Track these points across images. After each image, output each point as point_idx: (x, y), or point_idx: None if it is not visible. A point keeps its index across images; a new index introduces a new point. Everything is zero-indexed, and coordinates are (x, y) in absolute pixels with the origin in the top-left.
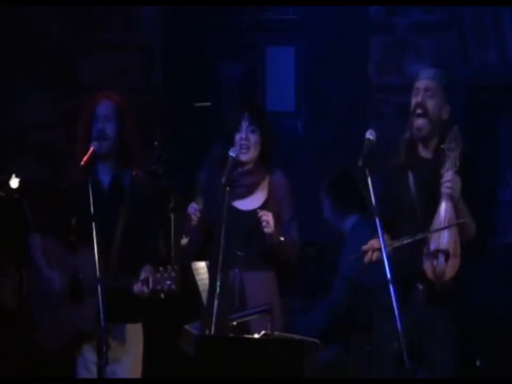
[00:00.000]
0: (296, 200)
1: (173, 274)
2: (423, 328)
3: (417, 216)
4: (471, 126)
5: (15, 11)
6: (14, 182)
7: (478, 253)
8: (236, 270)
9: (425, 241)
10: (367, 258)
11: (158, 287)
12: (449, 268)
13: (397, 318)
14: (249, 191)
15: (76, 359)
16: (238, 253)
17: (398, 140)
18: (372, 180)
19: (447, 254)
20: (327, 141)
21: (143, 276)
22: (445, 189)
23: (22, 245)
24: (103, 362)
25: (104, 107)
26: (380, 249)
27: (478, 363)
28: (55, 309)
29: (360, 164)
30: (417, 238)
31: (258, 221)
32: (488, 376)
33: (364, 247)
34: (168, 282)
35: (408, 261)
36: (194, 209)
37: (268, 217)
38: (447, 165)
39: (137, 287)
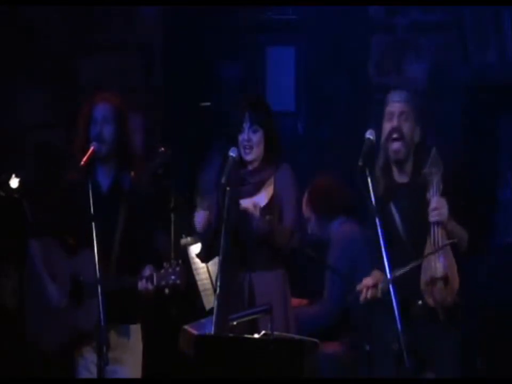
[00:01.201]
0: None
1: (177, 269)
2: (426, 342)
3: (405, 245)
4: (471, 126)
5: (15, 11)
6: (14, 182)
7: (473, 254)
8: (246, 272)
9: (420, 272)
10: (362, 297)
11: (163, 283)
12: (450, 292)
13: (397, 318)
14: (255, 190)
15: (77, 360)
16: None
17: (364, 146)
18: (371, 180)
19: (445, 280)
20: (327, 141)
21: (147, 272)
22: (433, 217)
23: (22, 245)
24: (103, 362)
25: (102, 109)
26: (374, 286)
27: (478, 363)
28: (55, 309)
29: (360, 163)
30: (410, 267)
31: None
32: (488, 376)
33: (358, 287)
34: (173, 277)
35: (406, 279)
36: (199, 219)
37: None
38: (431, 190)
39: (141, 284)
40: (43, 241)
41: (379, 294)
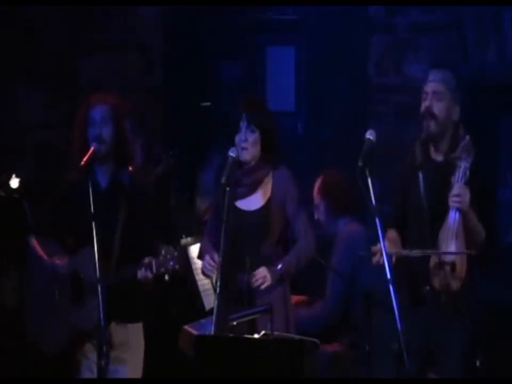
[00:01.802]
0: (301, 196)
1: (176, 254)
2: (433, 329)
3: (425, 217)
4: (471, 126)
5: (15, 11)
6: (14, 182)
7: (487, 260)
8: (244, 272)
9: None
10: (375, 260)
11: (162, 269)
12: (455, 279)
13: (397, 318)
14: (251, 190)
15: (79, 359)
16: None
17: (413, 140)
18: (372, 180)
19: (453, 266)
20: (327, 141)
21: (146, 260)
22: (453, 202)
23: (22, 245)
24: (104, 362)
25: (99, 111)
26: (390, 254)
27: (477, 363)
28: (56, 309)
29: (360, 164)
30: (427, 253)
31: (262, 222)
32: (488, 376)
33: (373, 248)
34: (171, 263)
35: (416, 263)
36: (212, 261)
37: (260, 278)
38: (457, 175)
39: (140, 273)
40: (44, 241)
41: (393, 261)
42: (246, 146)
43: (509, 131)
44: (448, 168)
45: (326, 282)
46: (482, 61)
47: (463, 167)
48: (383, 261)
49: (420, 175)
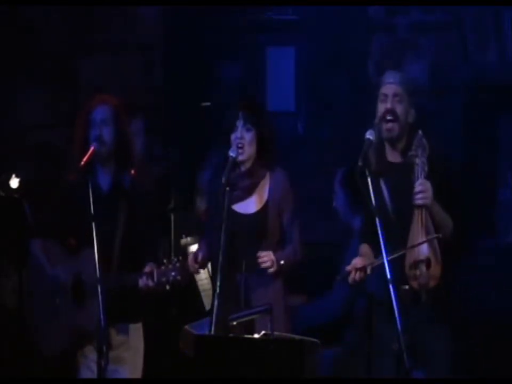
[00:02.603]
0: (297, 200)
1: (178, 265)
2: (415, 328)
3: (393, 221)
4: (471, 126)
5: (15, 11)
6: (14, 182)
7: (460, 253)
8: (241, 274)
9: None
10: (350, 278)
11: (163, 279)
12: (432, 276)
13: (397, 318)
14: (247, 193)
15: (79, 359)
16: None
17: (364, 146)
18: (371, 180)
19: (428, 263)
20: (327, 141)
21: (147, 269)
22: (417, 200)
23: (22, 245)
24: (104, 362)
25: (101, 111)
26: (362, 269)
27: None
28: (57, 309)
29: (360, 164)
30: (397, 255)
31: (259, 225)
32: (488, 376)
33: (347, 268)
34: (173, 273)
35: (393, 265)
36: (193, 261)
37: (268, 258)
38: (416, 172)
39: (142, 281)
40: (45, 241)
41: (368, 273)
42: (242, 144)
43: (509, 131)
44: (406, 168)
45: (327, 283)
46: (482, 61)
47: (420, 163)
48: (360, 278)
49: (381, 181)
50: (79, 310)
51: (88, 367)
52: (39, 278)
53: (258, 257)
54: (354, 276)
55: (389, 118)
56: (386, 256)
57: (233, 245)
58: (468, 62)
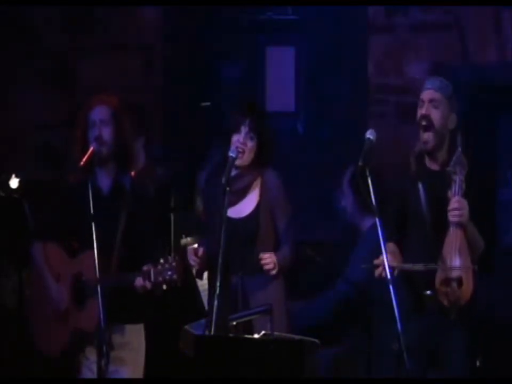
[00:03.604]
0: (296, 200)
1: (174, 264)
2: (436, 334)
3: (428, 228)
4: (471, 126)
5: (15, 11)
6: (14, 182)
7: (488, 271)
8: (238, 276)
9: (436, 269)
10: (377, 273)
11: (160, 279)
12: (463, 294)
13: (397, 318)
14: (240, 196)
15: (80, 360)
16: (239, 274)
17: (409, 152)
18: (372, 180)
19: (459, 281)
20: (327, 141)
21: (144, 268)
22: (452, 217)
23: (22, 245)
24: (104, 362)
25: (100, 111)
26: (391, 267)
27: (477, 363)
28: (57, 310)
29: (360, 163)
30: (429, 267)
31: (252, 229)
32: (488, 376)
33: (376, 261)
34: (169, 272)
35: (417, 270)
36: (193, 255)
37: (270, 260)
38: (454, 189)
39: (138, 282)
40: (45, 242)
41: (395, 274)
42: (243, 150)
43: (509, 131)
44: (444, 178)
45: (326, 283)
46: (482, 61)
47: (458, 180)
48: (384, 266)
49: (420, 186)
50: (79, 311)
51: (90, 368)
52: (40, 286)
53: (260, 259)
54: (382, 272)
55: (423, 123)
56: (387, 256)
57: (229, 248)
58: (468, 62)
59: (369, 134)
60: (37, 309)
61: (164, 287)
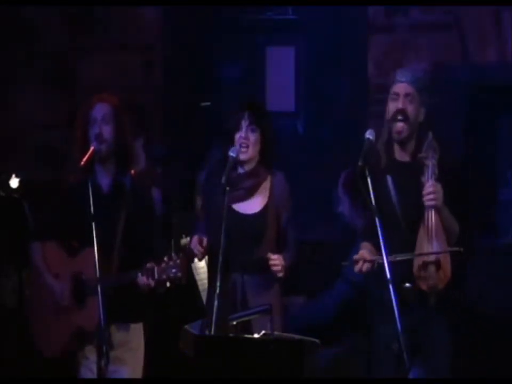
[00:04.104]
0: (295, 200)
1: (178, 262)
2: (418, 327)
3: (400, 221)
4: (471, 126)
5: (15, 11)
6: (14, 182)
7: (468, 254)
8: (238, 274)
9: (412, 260)
10: (357, 268)
11: (164, 276)
12: (442, 277)
13: (397, 318)
14: (249, 194)
15: (80, 361)
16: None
17: (376, 143)
18: (371, 180)
19: (437, 265)
20: (327, 141)
21: (148, 266)
22: (427, 201)
23: (22, 245)
24: (103, 362)
25: (100, 110)
26: (371, 262)
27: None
28: (57, 309)
29: (360, 163)
30: (407, 257)
31: (259, 226)
32: (488, 376)
33: (355, 257)
34: (173, 270)
35: (396, 266)
36: (196, 244)
37: (278, 262)
38: (426, 174)
39: (141, 280)
40: (45, 242)
41: (375, 267)
42: (247, 144)
43: (509, 131)
44: (415, 168)
45: (326, 283)
46: (482, 61)
47: (431, 164)
48: (367, 269)
49: (388, 179)
50: (79, 310)
51: (90, 368)
52: (39, 286)
53: (266, 259)
54: (362, 267)
55: (399, 118)
56: (387, 256)
57: (231, 245)
58: (468, 62)
59: (369, 134)
60: (37, 309)
61: (168, 284)
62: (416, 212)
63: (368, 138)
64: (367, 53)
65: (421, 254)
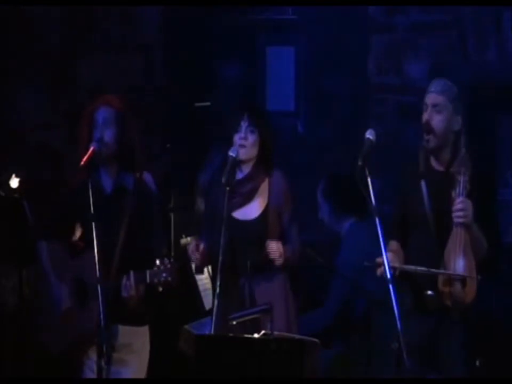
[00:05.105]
0: (295, 201)
1: (169, 266)
2: (436, 335)
3: (431, 227)
4: (471, 126)
5: (15, 11)
6: (14, 182)
7: (493, 273)
8: (245, 277)
9: (440, 268)
10: (379, 271)
11: (155, 280)
12: (467, 294)
13: (397, 318)
14: (247, 199)
15: (82, 360)
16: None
17: (418, 148)
18: (371, 180)
19: (463, 281)
20: (327, 141)
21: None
22: (456, 218)
23: (22, 245)
24: (103, 362)
25: (103, 113)
26: (392, 268)
27: (477, 363)
28: (61, 310)
29: (360, 163)
30: (432, 272)
31: (260, 231)
32: (488, 377)
33: (378, 259)
34: (164, 274)
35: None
36: (194, 250)
37: (276, 249)
38: (457, 189)
39: (129, 284)
40: (50, 243)
41: (396, 274)
42: (245, 144)
43: (509, 131)
44: (448, 179)
45: (327, 283)
46: (482, 61)
47: (462, 180)
48: (384, 265)
49: (423, 184)
50: (83, 311)
51: (92, 368)
52: (44, 285)
53: (266, 247)
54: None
55: (426, 128)
56: (387, 256)
57: (235, 250)
58: (468, 62)
59: (369, 134)
60: (41, 309)
61: (160, 289)
62: (448, 219)
63: (368, 138)
64: (367, 52)
65: (440, 273)
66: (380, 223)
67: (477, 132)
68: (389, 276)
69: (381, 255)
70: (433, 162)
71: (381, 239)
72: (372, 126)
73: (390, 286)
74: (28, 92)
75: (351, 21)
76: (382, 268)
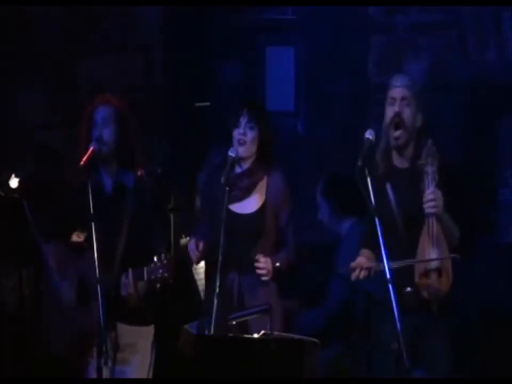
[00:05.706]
0: (295, 201)
1: (165, 262)
2: (418, 332)
3: (400, 228)
4: (471, 126)
5: (15, 11)
6: (14, 182)
7: (466, 254)
8: (235, 273)
9: (413, 265)
10: (354, 275)
11: (153, 277)
12: (443, 284)
13: (396, 318)
14: (246, 194)
15: (87, 360)
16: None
17: (375, 149)
18: (371, 180)
19: (439, 272)
20: (327, 141)
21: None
22: (428, 209)
23: (22, 245)
24: (104, 361)
25: (102, 112)
26: (368, 269)
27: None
28: (64, 310)
29: (359, 163)
30: (407, 263)
31: (256, 225)
32: (488, 376)
33: (352, 264)
34: (160, 270)
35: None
36: (193, 248)
37: (263, 266)
38: (426, 181)
39: (129, 281)
40: (54, 243)
41: (371, 275)
42: (244, 141)
43: (509, 131)
44: (414, 174)
45: (326, 283)
46: (482, 61)
47: (431, 171)
48: (364, 276)
49: (387, 186)
50: (85, 311)
51: (94, 368)
52: (46, 284)
53: (256, 260)
54: (358, 274)
55: (396, 121)
56: (387, 258)
57: (229, 245)
58: (468, 62)
59: (369, 134)
60: (44, 308)
61: (158, 286)
62: (417, 218)
63: (368, 138)
64: (367, 52)
65: (419, 261)
66: (380, 223)
67: (477, 132)
68: (388, 275)
69: (380, 255)
70: (396, 160)
71: (380, 239)
72: (371, 126)
73: (390, 286)
74: (28, 91)
75: (351, 21)
76: (356, 272)
